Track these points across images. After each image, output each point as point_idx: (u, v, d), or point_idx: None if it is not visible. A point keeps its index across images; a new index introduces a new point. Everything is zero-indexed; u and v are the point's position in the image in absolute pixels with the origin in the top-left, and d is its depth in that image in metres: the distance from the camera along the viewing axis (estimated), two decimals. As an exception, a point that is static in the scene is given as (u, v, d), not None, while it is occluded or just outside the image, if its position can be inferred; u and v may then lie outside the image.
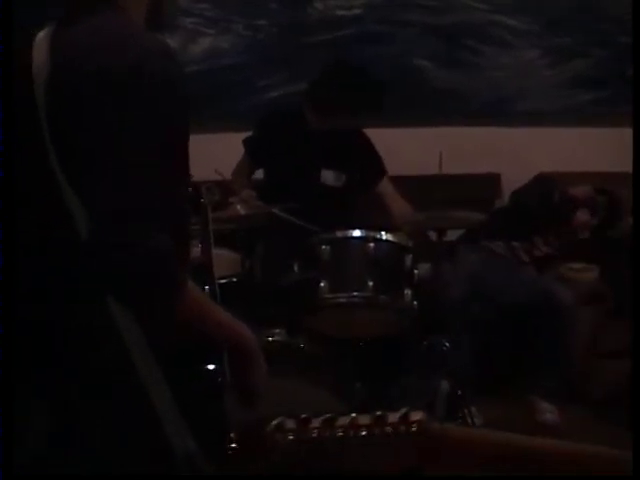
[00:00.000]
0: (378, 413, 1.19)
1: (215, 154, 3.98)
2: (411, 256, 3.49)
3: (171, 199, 1.51)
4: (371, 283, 3.32)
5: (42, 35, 1.57)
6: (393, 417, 1.19)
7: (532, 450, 1.23)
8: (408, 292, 3.42)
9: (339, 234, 3.43)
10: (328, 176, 3.95)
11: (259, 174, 4.08)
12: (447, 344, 3.62)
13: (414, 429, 1.18)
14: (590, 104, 5.14)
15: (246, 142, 4.01)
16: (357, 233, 3.44)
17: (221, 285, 3.28)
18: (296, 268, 3.47)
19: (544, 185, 4.47)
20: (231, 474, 1.48)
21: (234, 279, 3.56)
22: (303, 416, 1.20)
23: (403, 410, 1.19)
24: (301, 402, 3.33)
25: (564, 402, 3.97)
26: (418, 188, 4.48)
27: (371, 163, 4.07)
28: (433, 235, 4.23)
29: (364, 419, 1.19)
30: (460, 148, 4.27)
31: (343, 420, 1.19)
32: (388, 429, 1.18)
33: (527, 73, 5.12)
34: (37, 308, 1.52)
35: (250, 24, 4.94)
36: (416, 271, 3.51)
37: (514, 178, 4.77)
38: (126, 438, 1.53)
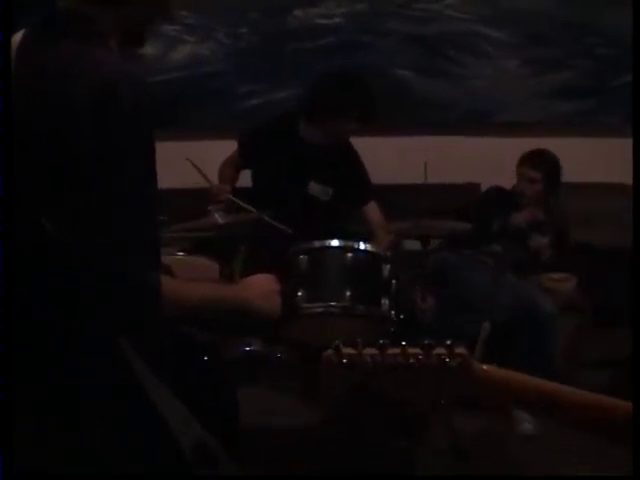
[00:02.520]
0: (426, 342, 1.26)
1: (197, 161, 3.98)
2: (389, 266, 3.49)
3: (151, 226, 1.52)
4: (348, 293, 3.31)
5: (16, 40, 1.56)
6: (439, 349, 1.26)
7: (561, 397, 1.31)
8: (386, 302, 3.41)
9: (317, 244, 3.42)
10: (316, 189, 3.99)
11: (244, 182, 4.09)
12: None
13: (458, 361, 1.26)
14: (571, 115, 5.16)
15: (240, 139, 4.07)
16: (335, 243, 3.43)
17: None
18: (274, 277, 3.46)
19: (497, 203, 4.57)
20: (232, 474, 1.49)
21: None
22: (358, 340, 1.26)
23: (448, 342, 1.26)
24: (277, 411, 3.33)
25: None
26: (402, 197, 4.49)
27: (360, 183, 4.12)
28: (416, 244, 4.26)
29: (414, 349, 1.26)
30: (441, 158, 4.27)
31: (394, 349, 1.25)
32: (434, 359, 1.25)
33: (508, 83, 5.12)
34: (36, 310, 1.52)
35: (231, 32, 4.93)
36: (394, 281, 3.51)
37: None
38: (128, 439, 1.53)
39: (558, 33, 5.09)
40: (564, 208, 4.75)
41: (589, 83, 5.12)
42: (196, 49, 4.91)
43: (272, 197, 3.85)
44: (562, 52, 5.11)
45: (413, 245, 4.29)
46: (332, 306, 3.34)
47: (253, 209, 3.63)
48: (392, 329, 3.43)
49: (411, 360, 1.25)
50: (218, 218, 3.52)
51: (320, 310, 3.34)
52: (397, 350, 1.26)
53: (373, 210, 4.11)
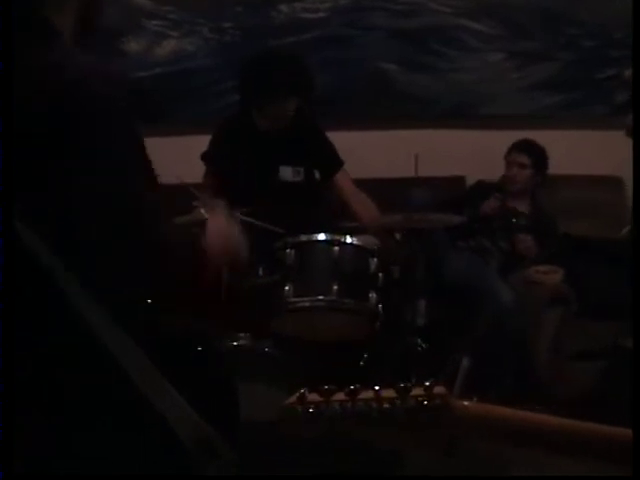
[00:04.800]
0: (402, 385, 1.17)
1: (182, 157, 3.96)
2: (376, 260, 3.50)
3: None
4: (336, 287, 3.32)
5: None
6: (417, 390, 1.17)
7: (547, 427, 1.23)
8: (373, 295, 3.42)
9: (303, 237, 3.43)
10: (286, 172, 3.95)
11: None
12: (423, 345, 3.63)
13: (438, 402, 1.16)
14: (557, 107, 5.16)
15: (204, 157, 4.02)
16: (322, 237, 3.44)
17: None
18: (261, 272, 3.46)
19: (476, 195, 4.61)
20: (232, 474, 1.48)
21: (197, 282, 3.53)
22: (326, 387, 1.18)
23: (427, 383, 1.17)
24: (265, 405, 3.32)
25: (529, 403, 3.96)
26: (391, 190, 4.48)
27: (326, 154, 4.07)
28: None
29: (388, 392, 1.17)
30: (427, 151, 4.26)
31: (366, 393, 1.17)
32: (411, 402, 1.16)
33: (493, 76, 5.12)
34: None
35: (215, 27, 4.91)
36: (381, 274, 3.52)
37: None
38: (128, 440, 1.53)
39: (541, 25, 5.09)
40: (550, 200, 4.77)
41: (574, 75, 5.12)
42: (180, 44, 4.89)
43: (247, 194, 3.81)
44: (546, 44, 5.11)
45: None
46: (319, 300, 3.35)
47: (275, 228, 3.56)
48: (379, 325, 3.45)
49: (385, 405, 1.16)
50: (204, 214, 3.50)
51: (307, 304, 3.36)
52: (369, 394, 1.17)
53: (344, 178, 4.08)
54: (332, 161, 4.06)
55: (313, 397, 1.18)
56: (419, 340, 3.66)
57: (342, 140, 4.17)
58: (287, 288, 3.33)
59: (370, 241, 3.64)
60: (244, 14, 4.92)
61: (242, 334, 3.37)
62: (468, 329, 4.07)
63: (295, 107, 3.82)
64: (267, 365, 3.29)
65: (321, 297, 3.34)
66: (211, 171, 4.03)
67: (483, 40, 5.09)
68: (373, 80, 5.00)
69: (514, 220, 4.55)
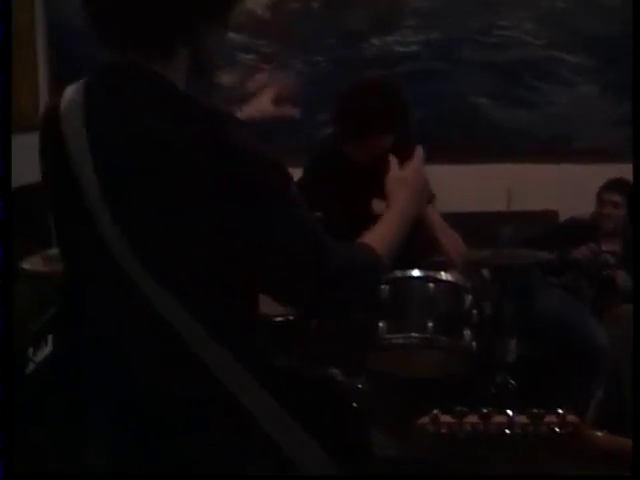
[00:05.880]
0: (534, 411, 1.17)
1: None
2: (470, 296, 3.46)
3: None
4: (430, 324, 3.29)
5: (72, 94, 1.54)
6: (550, 418, 1.17)
7: None
8: (467, 332, 3.38)
9: (398, 274, 3.40)
10: (379, 206, 3.91)
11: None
12: (512, 382, 3.59)
13: (570, 431, 1.17)
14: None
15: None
16: (416, 273, 3.41)
17: (277, 323, 3.28)
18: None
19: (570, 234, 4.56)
20: (233, 475, 1.47)
21: (290, 317, 3.53)
22: (458, 409, 1.18)
23: (560, 411, 1.17)
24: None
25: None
26: (483, 225, 4.45)
27: None
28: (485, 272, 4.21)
29: (521, 417, 1.17)
30: (520, 185, 4.23)
31: (499, 417, 1.18)
32: (544, 429, 1.16)
33: (586, 109, 5.06)
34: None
35: (307, 59, 4.95)
36: (475, 311, 3.48)
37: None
38: None
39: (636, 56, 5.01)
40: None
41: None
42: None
43: (340, 229, 3.80)
44: (640, 76, 5.03)
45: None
46: (413, 337, 3.32)
47: None
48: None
49: (517, 430, 1.17)
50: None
51: (401, 341, 3.33)
52: (502, 419, 1.17)
53: (433, 211, 4.03)
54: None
55: (446, 418, 1.19)
56: (509, 378, 3.61)
57: (434, 173, 4.14)
58: (381, 325, 3.31)
59: (462, 277, 3.60)
60: (336, 47, 4.95)
61: (334, 370, 3.36)
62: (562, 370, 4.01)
63: (392, 140, 3.79)
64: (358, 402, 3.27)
65: (415, 334, 3.30)
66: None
67: (576, 73, 5.04)
68: (465, 114, 4.98)
69: (605, 273, 4.48)
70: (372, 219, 3.84)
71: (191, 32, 1.50)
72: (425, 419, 1.19)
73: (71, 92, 1.53)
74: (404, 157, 3.83)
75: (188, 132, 1.41)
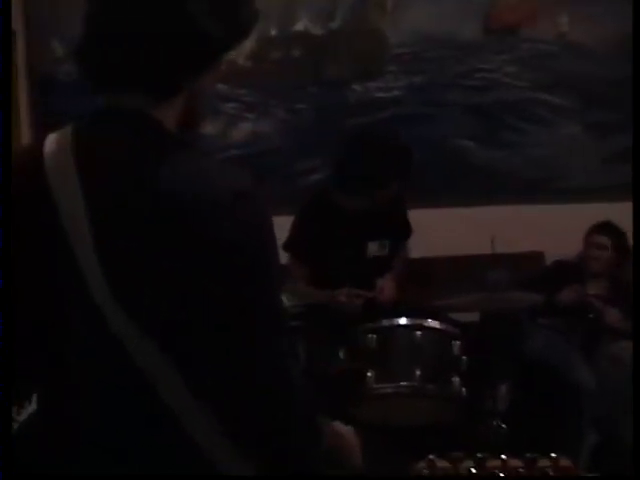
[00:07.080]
0: (528, 455, 1.21)
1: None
2: (458, 342, 3.45)
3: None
4: (418, 372, 3.28)
5: (59, 141, 1.46)
6: (543, 461, 1.19)
7: None
8: (456, 379, 3.37)
9: (385, 322, 3.40)
10: (374, 249, 3.92)
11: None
12: (503, 425, 3.57)
13: (563, 475, 1.20)
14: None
15: (287, 247, 3.86)
16: (403, 321, 3.42)
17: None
18: (342, 355, 3.44)
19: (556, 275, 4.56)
20: (234, 475, 1.43)
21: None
22: (454, 454, 1.20)
23: (553, 455, 1.21)
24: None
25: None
26: (469, 268, 4.44)
27: (401, 221, 4.08)
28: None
29: (515, 461, 1.21)
30: (504, 227, 4.22)
31: (494, 462, 1.21)
32: (537, 473, 1.20)
33: (569, 149, 5.08)
34: None
35: (289, 107, 4.96)
36: (464, 357, 3.47)
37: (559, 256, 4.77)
38: None
39: (616, 95, 5.04)
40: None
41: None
42: (255, 126, 4.94)
43: (336, 274, 3.79)
44: (621, 115, 5.05)
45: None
46: (402, 386, 3.31)
47: None
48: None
49: (512, 473, 1.19)
50: (285, 300, 3.50)
51: (390, 390, 3.32)
52: (497, 463, 1.20)
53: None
54: (405, 227, 4.05)
55: (442, 463, 1.23)
56: (500, 422, 3.60)
57: (418, 217, 4.15)
58: (369, 374, 3.29)
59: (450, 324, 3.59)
60: (318, 94, 4.96)
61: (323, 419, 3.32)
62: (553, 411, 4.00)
63: (397, 188, 3.78)
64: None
65: (404, 383, 3.30)
66: (297, 259, 3.96)
67: (558, 113, 5.07)
68: (449, 157, 4.98)
69: (591, 316, 4.47)
70: (367, 262, 3.86)
71: (198, 75, 1.46)
72: (421, 464, 1.19)
73: (56, 139, 1.46)
74: (389, 202, 3.87)
75: (191, 186, 1.37)
